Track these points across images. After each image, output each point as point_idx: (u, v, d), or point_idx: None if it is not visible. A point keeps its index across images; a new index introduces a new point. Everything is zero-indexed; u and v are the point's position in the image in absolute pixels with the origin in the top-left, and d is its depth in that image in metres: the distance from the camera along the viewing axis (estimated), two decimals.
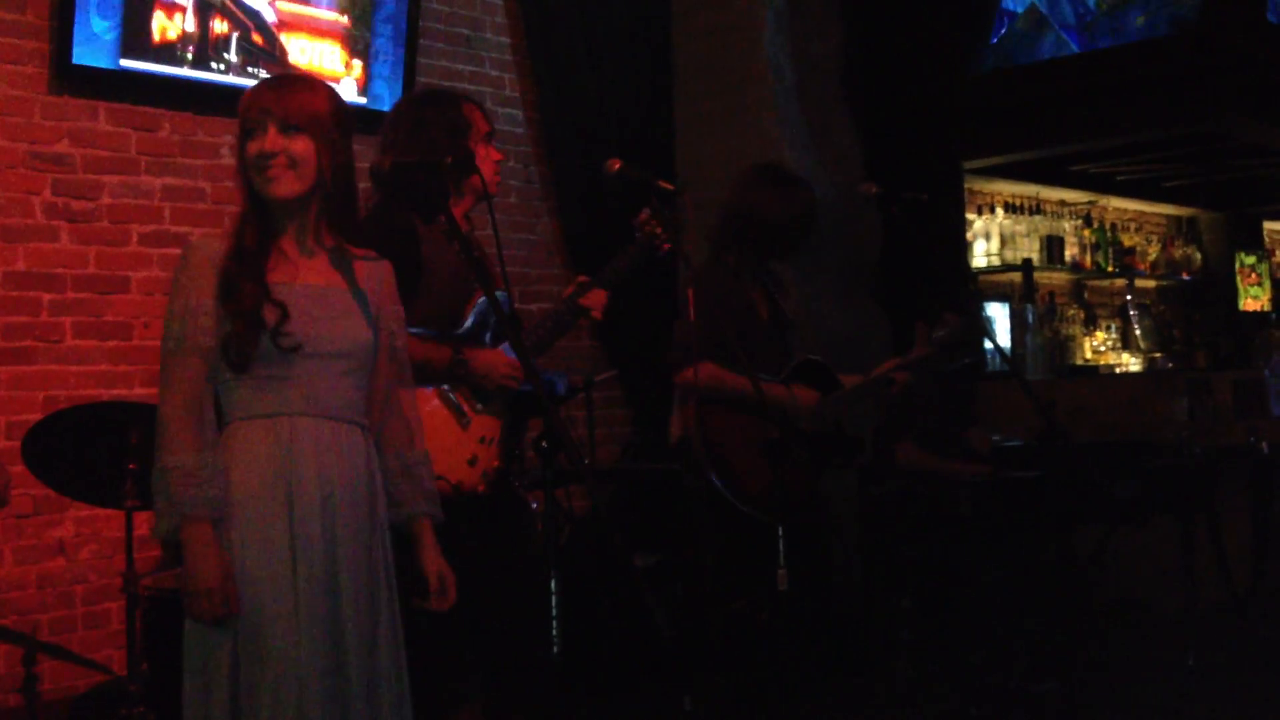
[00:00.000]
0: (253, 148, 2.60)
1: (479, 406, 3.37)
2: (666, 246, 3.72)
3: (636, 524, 5.71)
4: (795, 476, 3.93)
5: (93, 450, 3.81)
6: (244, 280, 2.56)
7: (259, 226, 2.63)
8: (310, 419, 2.60)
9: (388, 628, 2.67)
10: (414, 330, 3.12)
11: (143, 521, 4.57)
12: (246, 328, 2.54)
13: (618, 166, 3.42)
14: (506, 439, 3.40)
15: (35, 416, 4.12)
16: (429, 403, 3.30)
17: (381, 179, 3.17)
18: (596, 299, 3.60)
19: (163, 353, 2.56)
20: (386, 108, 5.43)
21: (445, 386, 3.35)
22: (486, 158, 3.47)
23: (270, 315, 2.56)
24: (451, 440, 3.29)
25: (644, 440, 6.40)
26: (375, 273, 2.78)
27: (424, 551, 2.80)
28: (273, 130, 2.59)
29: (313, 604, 2.54)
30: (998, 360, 7.23)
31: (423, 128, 3.38)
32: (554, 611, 2.78)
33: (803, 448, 3.91)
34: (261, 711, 2.48)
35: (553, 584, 2.79)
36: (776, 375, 4.17)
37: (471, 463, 3.30)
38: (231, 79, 5.04)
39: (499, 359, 3.37)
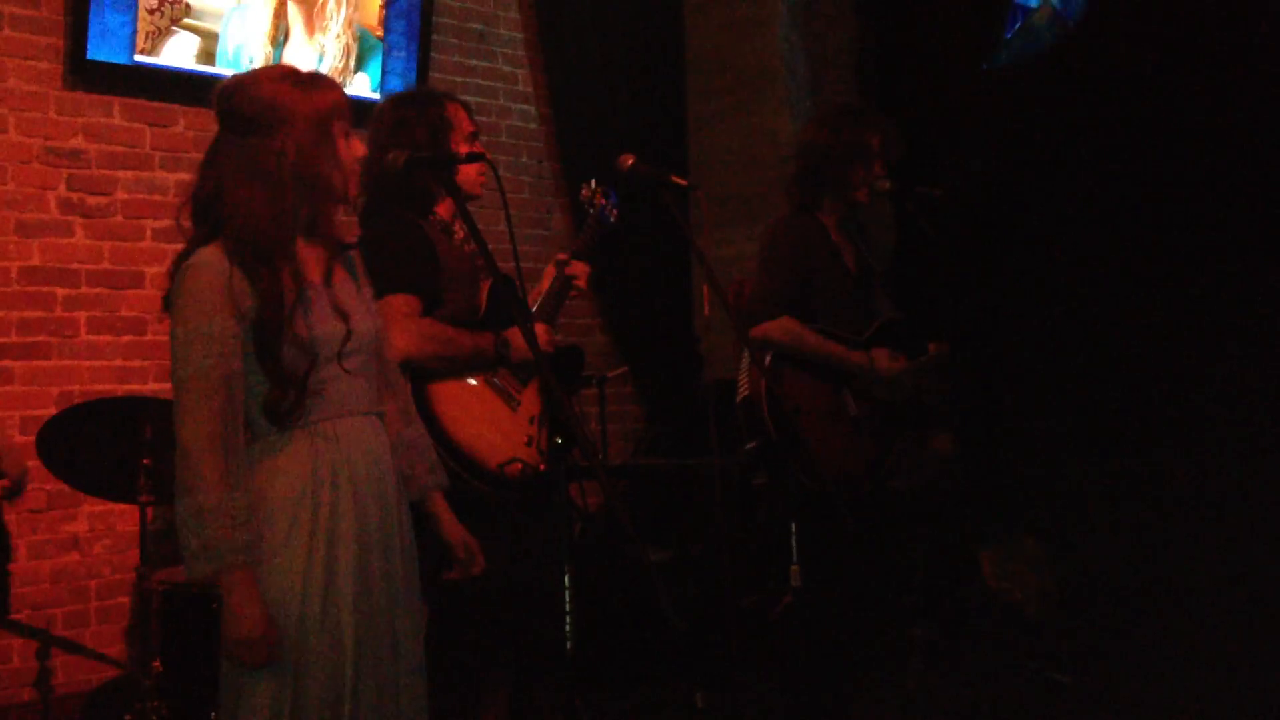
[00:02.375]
0: None
1: (522, 388, 3.40)
2: (615, 214, 3.77)
3: (649, 520, 5.71)
4: (864, 448, 3.86)
5: (107, 445, 3.82)
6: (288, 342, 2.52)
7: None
8: (349, 419, 2.59)
9: (419, 611, 2.72)
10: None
11: (156, 516, 4.59)
12: (297, 392, 2.51)
13: (631, 163, 3.42)
14: (546, 415, 3.42)
15: (49, 411, 4.14)
16: (481, 392, 3.34)
17: (395, 175, 3.16)
18: (579, 269, 3.62)
19: (177, 377, 2.45)
20: None
21: (488, 374, 3.37)
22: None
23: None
24: (508, 425, 3.33)
25: (657, 436, 6.41)
26: (355, 259, 2.77)
27: (444, 523, 2.86)
28: None
29: (369, 610, 2.55)
30: None
31: (404, 127, 3.37)
32: (567, 607, 2.79)
33: (879, 419, 3.85)
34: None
35: (566, 579, 2.80)
36: (858, 333, 4.03)
37: (529, 443, 3.33)
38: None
39: (540, 330, 3.44)
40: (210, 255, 2.52)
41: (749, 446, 3.78)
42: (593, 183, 3.77)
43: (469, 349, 3.29)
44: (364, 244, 3.33)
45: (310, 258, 2.62)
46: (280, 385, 2.49)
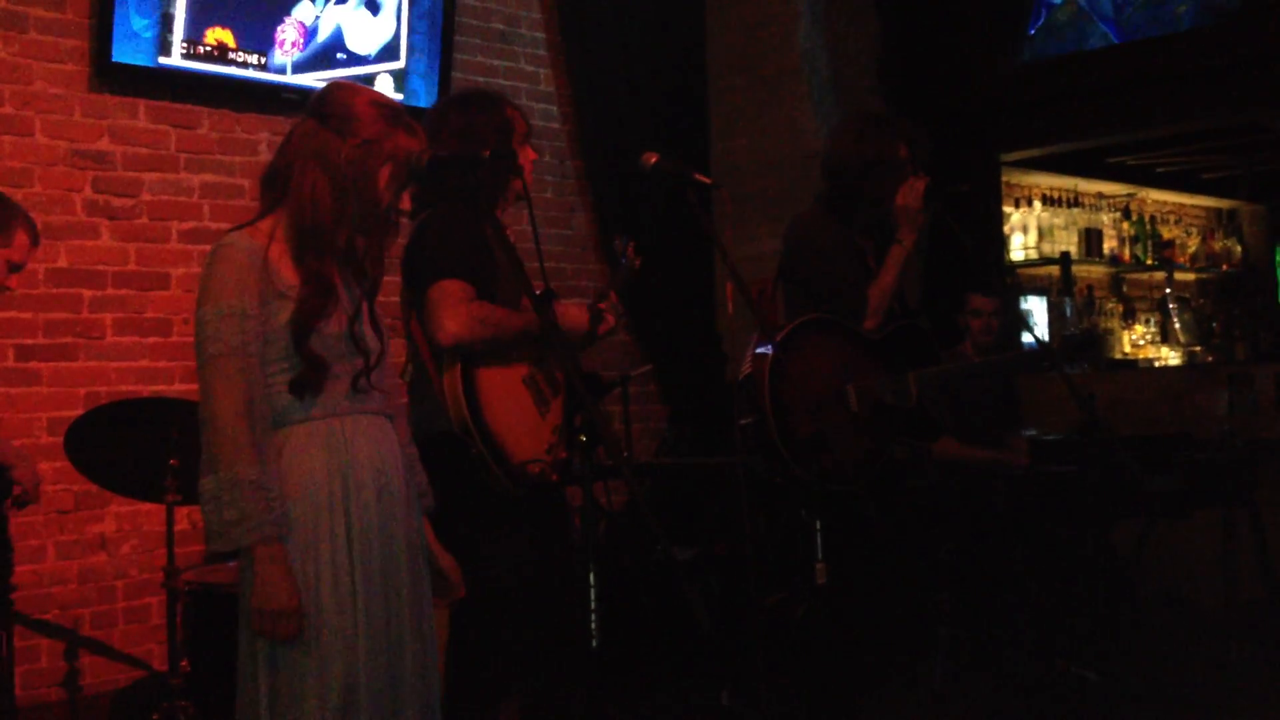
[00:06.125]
0: None
1: (553, 398, 3.42)
2: (639, 262, 3.87)
3: (673, 519, 5.71)
4: (858, 445, 3.83)
5: (134, 445, 3.83)
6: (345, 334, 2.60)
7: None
8: (359, 416, 2.63)
9: (429, 610, 2.73)
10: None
11: (183, 516, 4.61)
12: (317, 371, 2.57)
13: (654, 160, 3.42)
14: (566, 430, 3.45)
15: (76, 412, 4.15)
16: (519, 390, 3.37)
17: (418, 174, 3.17)
18: (615, 301, 3.70)
19: (207, 353, 2.49)
20: (423, 103, 5.45)
21: (528, 373, 3.38)
22: (524, 158, 3.50)
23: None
24: (535, 427, 3.36)
25: (680, 435, 6.40)
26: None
27: (432, 546, 2.87)
28: None
29: (370, 600, 2.57)
30: None
31: (473, 130, 3.39)
32: (592, 605, 2.79)
33: (880, 420, 3.83)
34: (308, 697, 2.50)
35: (591, 577, 2.80)
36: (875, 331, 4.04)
37: (549, 450, 3.35)
38: (269, 76, 5.07)
39: (581, 311, 3.51)
40: (241, 237, 2.58)
41: (743, 423, 3.78)
42: (622, 237, 3.93)
43: (518, 328, 3.31)
44: (418, 231, 3.36)
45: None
46: (311, 365, 2.55)
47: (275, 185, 2.64)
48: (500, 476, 3.23)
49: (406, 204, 2.74)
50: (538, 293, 3.30)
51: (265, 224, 2.61)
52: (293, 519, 2.51)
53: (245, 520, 2.43)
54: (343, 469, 2.58)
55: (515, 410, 3.33)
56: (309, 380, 2.55)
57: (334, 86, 2.74)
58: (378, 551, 2.60)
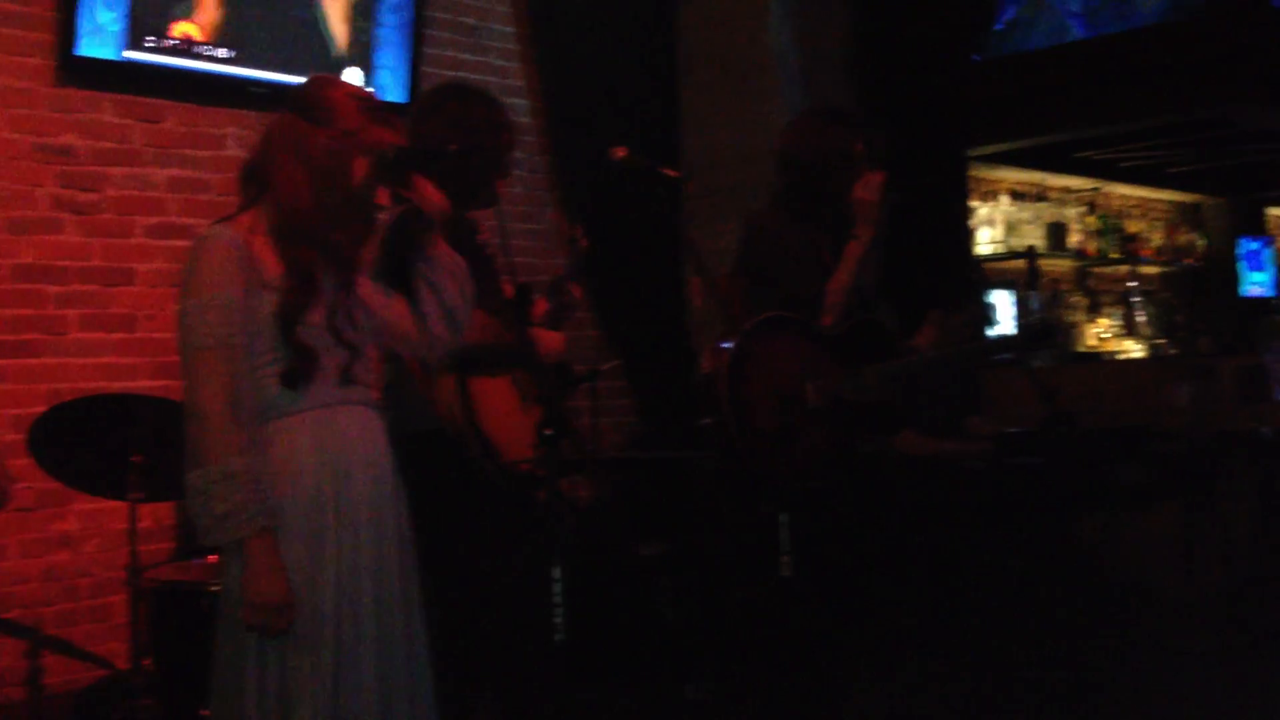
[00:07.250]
0: None
1: (535, 394, 3.44)
2: (585, 242, 3.90)
3: (641, 514, 5.72)
4: (817, 441, 3.84)
5: (98, 442, 3.81)
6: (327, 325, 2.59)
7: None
8: (349, 407, 2.63)
9: (418, 601, 2.73)
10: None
11: (147, 514, 4.58)
12: (309, 360, 2.56)
13: (623, 154, 3.42)
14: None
15: (40, 409, 4.12)
16: (507, 391, 3.39)
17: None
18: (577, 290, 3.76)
19: (191, 346, 2.48)
20: (392, 98, 5.44)
21: (515, 373, 3.39)
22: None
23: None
24: (521, 426, 3.37)
25: (648, 430, 6.41)
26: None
27: None
28: None
29: (359, 593, 2.57)
30: None
31: (468, 123, 3.38)
32: (558, 600, 2.80)
33: (841, 416, 3.83)
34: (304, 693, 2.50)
35: (557, 573, 2.81)
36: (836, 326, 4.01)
37: (533, 447, 3.37)
38: (235, 70, 5.05)
39: (558, 338, 3.54)
40: (223, 229, 2.57)
41: (704, 423, 3.78)
42: (570, 220, 3.95)
43: (507, 344, 3.33)
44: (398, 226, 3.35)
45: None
46: (300, 355, 2.54)
47: (254, 179, 2.64)
48: (496, 475, 3.24)
49: (385, 199, 2.72)
50: (514, 290, 3.31)
51: (245, 218, 2.60)
52: (284, 511, 2.50)
53: (237, 513, 2.42)
54: (333, 461, 2.57)
55: (504, 411, 3.34)
56: (299, 370, 2.54)
57: (312, 79, 2.75)
58: (368, 545, 2.60)
